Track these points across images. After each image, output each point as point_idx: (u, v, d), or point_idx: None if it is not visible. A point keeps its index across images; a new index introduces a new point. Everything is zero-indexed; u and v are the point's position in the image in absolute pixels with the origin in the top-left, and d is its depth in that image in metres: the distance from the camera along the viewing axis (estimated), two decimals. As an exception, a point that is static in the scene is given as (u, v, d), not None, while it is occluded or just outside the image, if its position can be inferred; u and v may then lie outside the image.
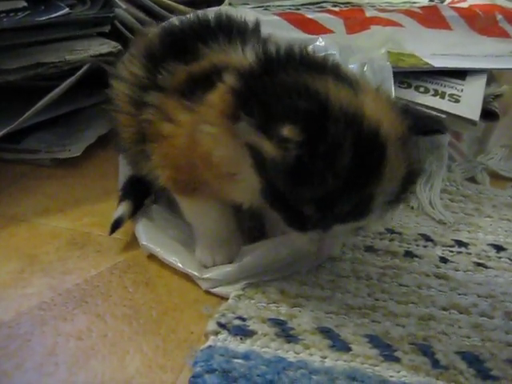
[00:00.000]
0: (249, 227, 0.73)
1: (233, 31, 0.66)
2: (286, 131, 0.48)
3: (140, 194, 0.79)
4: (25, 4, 0.98)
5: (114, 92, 0.72)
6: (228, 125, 0.55)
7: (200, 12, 0.71)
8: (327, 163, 0.50)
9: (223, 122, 0.56)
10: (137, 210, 0.78)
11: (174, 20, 0.73)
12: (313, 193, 0.52)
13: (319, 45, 0.86)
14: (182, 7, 1.28)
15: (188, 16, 0.72)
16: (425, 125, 0.59)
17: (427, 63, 0.94)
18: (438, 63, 0.95)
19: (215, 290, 0.66)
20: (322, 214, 0.53)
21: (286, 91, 0.51)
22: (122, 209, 0.76)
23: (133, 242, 0.76)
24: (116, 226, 0.75)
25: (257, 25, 0.70)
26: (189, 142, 0.59)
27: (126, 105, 0.69)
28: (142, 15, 1.22)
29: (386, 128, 0.52)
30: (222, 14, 0.69)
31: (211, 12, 0.71)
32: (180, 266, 0.69)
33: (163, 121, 0.62)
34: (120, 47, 1.08)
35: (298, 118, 0.49)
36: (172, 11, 1.25)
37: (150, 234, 0.74)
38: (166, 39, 0.69)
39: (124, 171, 0.82)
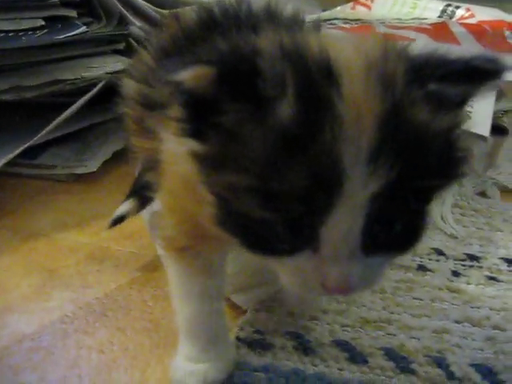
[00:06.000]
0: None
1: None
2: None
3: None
4: (43, 23, 1.00)
5: None
6: None
7: None
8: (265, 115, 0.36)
9: None
10: (142, 208, 0.75)
11: None
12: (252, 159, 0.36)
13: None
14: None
15: None
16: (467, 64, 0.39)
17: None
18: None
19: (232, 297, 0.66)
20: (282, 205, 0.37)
21: None
22: (127, 206, 0.75)
23: (150, 257, 0.77)
24: (116, 222, 0.74)
25: None
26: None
27: None
28: (155, 33, 1.24)
29: (343, 58, 0.37)
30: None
31: None
32: None
33: None
34: (134, 64, 1.10)
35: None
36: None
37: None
38: None
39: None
